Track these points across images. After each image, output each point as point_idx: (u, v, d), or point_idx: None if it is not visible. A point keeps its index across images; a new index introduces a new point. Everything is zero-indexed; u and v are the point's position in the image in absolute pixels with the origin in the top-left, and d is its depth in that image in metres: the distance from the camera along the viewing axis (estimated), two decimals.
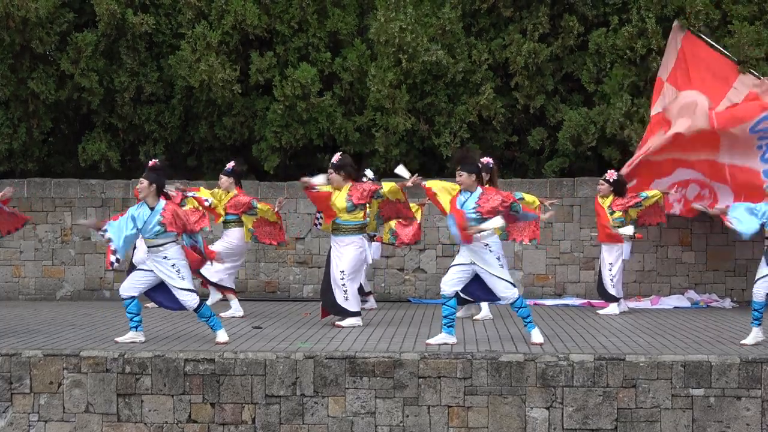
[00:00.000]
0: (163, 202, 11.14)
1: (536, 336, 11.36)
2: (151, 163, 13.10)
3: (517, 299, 11.34)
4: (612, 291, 14.75)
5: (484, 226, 11.06)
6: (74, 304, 16.10)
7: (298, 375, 10.46)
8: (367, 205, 12.92)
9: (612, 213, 14.75)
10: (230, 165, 14.71)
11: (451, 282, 11.35)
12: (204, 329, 12.08)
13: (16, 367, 10.58)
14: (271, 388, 10.47)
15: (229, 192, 14.56)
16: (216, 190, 14.79)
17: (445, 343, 11.17)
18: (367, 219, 13.05)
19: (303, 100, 16.63)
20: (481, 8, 17.43)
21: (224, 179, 14.62)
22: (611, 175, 14.93)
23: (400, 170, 12.77)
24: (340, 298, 12.77)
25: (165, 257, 11.11)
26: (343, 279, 12.70)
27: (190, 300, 11.20)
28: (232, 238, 14.51)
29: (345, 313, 12.82)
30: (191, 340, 11.51)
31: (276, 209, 14.34)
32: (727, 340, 11.66)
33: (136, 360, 10.55)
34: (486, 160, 12.59)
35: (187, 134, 17.82)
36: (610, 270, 14.72)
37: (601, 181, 15.01)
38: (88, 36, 16.84)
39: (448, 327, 11.30)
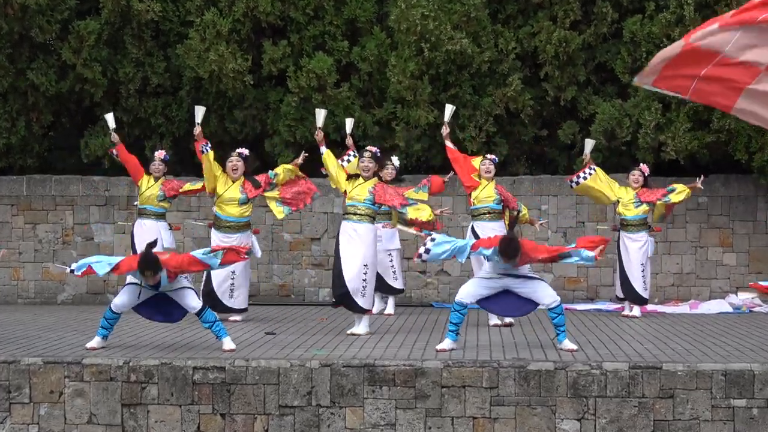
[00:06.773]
0: None
1: (568, 344, 11.34)
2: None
3: (559, 305, 11.32)
4: (645, 294, 14.76)
5: None
6: (76, 309, 16.17)
7: (313, 384, 10.47)
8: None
9: (639, 205, 14.70)
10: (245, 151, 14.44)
11: (474, 294, 11.36)
12: (213, 336, 12.09)
13: (14, 376, 10.62)
14: (285, 398, 10.48)
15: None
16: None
17: (453, 349, 11.20)
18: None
19: (319, 92, 16.65)
20: None
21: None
22: (645, 169, 14.90)
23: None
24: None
25: None
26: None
27: (195, 302, 11.26)
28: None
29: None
30: (200, 348, 11.52)
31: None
32: None
33: (141, 368, 10.57)
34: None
35: None
36: (643, 271, 14.70)
37: (636, 173, 14.88)
38: (90, 24, 16.90)
39: (456, 334, 11.33)
